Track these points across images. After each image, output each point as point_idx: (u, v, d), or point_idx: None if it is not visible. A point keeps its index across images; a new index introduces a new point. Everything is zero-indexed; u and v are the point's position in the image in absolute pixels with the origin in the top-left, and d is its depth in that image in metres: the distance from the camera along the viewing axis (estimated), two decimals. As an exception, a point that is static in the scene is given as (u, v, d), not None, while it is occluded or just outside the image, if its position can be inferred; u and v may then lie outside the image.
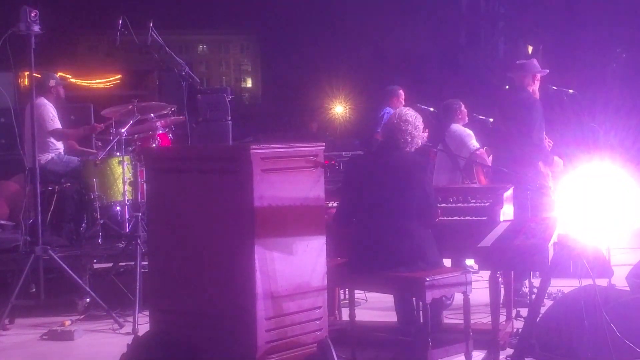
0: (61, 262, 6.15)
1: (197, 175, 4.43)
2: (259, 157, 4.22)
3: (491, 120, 7.61)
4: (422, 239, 4.84)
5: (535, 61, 6.76)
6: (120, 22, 6.37)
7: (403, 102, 7.95)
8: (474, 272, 5.58)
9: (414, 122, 4.98)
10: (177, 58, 6.54)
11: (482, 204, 5.27)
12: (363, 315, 5.68)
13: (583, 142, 7.34)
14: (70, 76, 14.86)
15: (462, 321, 4.87)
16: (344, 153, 9.26)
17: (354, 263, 4.90)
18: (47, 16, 6.27)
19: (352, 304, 5.10)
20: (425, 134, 5.09)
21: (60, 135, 7.59)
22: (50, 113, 7.49)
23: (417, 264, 4.76)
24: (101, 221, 7.04)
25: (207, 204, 4.35)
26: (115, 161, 7.00)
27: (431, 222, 4.96)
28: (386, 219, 4.83)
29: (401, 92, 8.67)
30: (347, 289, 5.64)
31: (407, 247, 4.78)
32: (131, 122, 6.91)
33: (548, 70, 6.78)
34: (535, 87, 6.60)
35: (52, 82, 7.63)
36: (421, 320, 4.80)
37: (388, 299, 5.64)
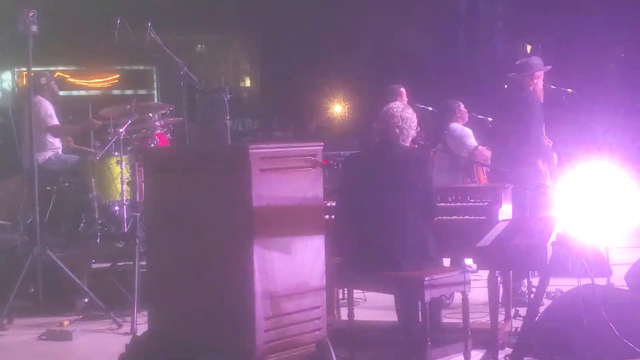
0: (59, 262, 6.15)
1: (195, 174, 4.43)
2: (257, 157, 4.21)
3: (490, 119, 7.61)
4: (424, 234, 4.84)
5: (534, 59, 6.74)
6: (119, 21, 6.37)
7: (406, 100, 7.92)
8: (472, 272, 5.57)
9: (400, 114, 4.96)
10: (176, 58, 6.54)
11: (481, 204, 5.27)
12: (362, 314, 5.68)
13: (582, 141, 7.34)
14: (68, 76, 14.84)
15: (461, 321, 4.87)
16: (342, 152, 9.25)
17: (355, 261, 4.89)
18: (45, 16, 6.27)
19: (350, 303, 5.09)
20: (419, 130, 5.10)
21: (58, 132, 7.59)
22: (48, 110, 7.49)
23: (419, 260, 4.75)
24: (99, 221, 7.03)
25: (205, 203, 4.34)
26: (113, 161, 7.00)
27: (431, 218, 4.96)
28: (388, 215, 4.82)
29: (403, 90, 8.63)
30: (345, 289, 5.63)
31: (409, 242, 4.77)
32: (129, 121, 6.90)
33: (550, 67, 6.75)
34: (535, 86, 6.58)
35: (43, 80, 7.63)
36: (420, 320, 4.80)
37: (387, 298, 5.64)
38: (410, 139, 5.04)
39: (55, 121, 7.52)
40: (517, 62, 6.72)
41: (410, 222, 4.82)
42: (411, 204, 4.83)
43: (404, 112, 4.99)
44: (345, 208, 5.03)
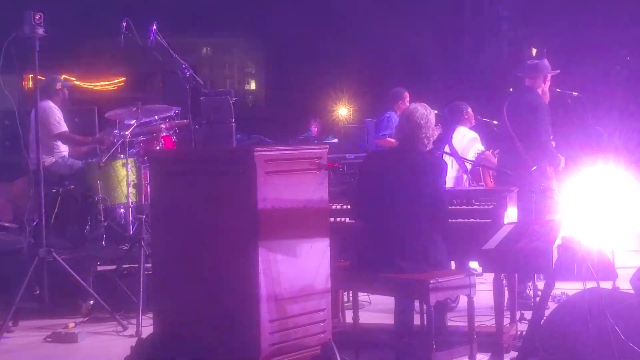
0: (65, 265, 6.15)
1: (201, 177, 4.43)
2: (262, 160, 4.22)
3: (495, 122, 7.60)
4: (428, 240, 4.82)
5: (545, 62, 6.73)
6: (125, 24, 6.37)
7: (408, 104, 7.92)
8: (478, 275, 5.57)
9: (425, 124, 4.99)
10: (181, 61, 6.55)
11: (486, 207, 5.27)
12: (367, 317, 5.68)
13: (587, 144, 7.32)
14: (74, 79, 14.89)
15: (466, 324, 4.86)
16: (347, 155, 9.26)
17: (360, 261, 4.89)
18: (52, 19, 6.28)
19: (355, 306, 5.09)
20: (438, 130, 5.11)
21: (66, 139, 7.62)
22: (57, 116, 7.52)
23: (419, 265, 4.75)
24: (105, 223, 7.04)
25: (210, 206, 4.35)
26: (119, 163, 7.02)
27: (441, 226, 4.93)
28: (394, 217, 4.82)
29: (406, 94, 8.59)
30: (350, 291, 5.63)
31: (412, 245, 4.77)
32: (135, 124, 6.92)
33: (558, 71, 6.75)
34: (545, 88, 6.58)
35: (58, 85, 7.69)
36: (425, 323, 4.80)
37: (392, 301, 5.63)
38: (431, 144, 5.07)
39: (63, 128, 7.55)
40: (529, 63, 6.70)
41: (416, 226, 4.81)
42: (419, 208, 4.82)
43: (429, 119, 5.01)
44: (359, 204, 5.05)
